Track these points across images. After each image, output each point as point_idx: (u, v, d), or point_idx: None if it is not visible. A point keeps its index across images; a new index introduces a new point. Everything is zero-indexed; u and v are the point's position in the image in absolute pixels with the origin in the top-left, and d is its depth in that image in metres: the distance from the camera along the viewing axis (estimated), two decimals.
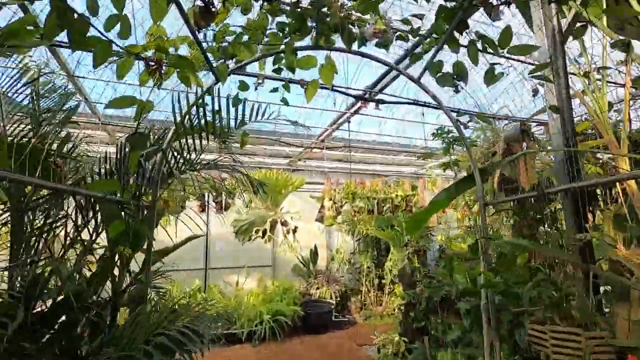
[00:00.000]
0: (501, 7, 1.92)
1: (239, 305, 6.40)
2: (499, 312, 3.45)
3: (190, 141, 2.61)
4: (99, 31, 1.45)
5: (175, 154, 2.63)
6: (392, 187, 7.49)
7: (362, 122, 6.11)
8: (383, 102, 3.81)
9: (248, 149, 7.97)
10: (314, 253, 8.58)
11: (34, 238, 2.21)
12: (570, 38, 3.03)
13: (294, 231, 6.64)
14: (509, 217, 4.10)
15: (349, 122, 5.08)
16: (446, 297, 4.15)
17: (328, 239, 9.47)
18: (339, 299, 7.47)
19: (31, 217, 2.19)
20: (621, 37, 2.54)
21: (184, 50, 2.09)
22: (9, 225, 2.13)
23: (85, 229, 2.44)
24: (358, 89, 4.02)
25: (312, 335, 6.30)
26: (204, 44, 2.05)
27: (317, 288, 7.53)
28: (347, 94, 3.60)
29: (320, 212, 7.22)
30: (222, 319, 5.37)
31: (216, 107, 2.53)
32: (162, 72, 1.81)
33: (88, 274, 2.47)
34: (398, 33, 2.31)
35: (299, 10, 2.03)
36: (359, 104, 4.30)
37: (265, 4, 2.04)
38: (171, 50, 1.89)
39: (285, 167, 8.13)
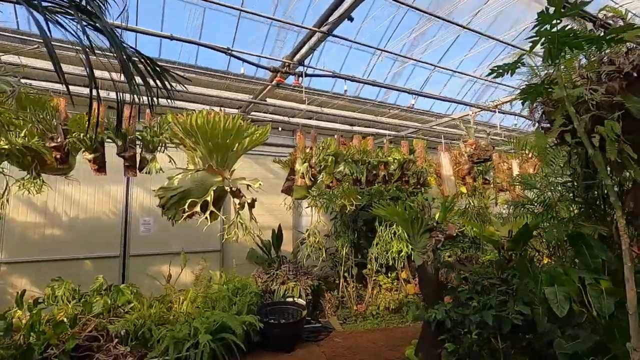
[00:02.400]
0: None
1: (165, 315, 4.27)
2: None
3: None
4: None
5: None
6: (385, 150, 5.59)
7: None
8: None
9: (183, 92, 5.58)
10: (278, 235, 6.56)
11: None
12: None
13: (251, 205, 4.49)
14: None
15: (350, 19, 2.95)
16: (520, 326, 2.36)
17: (297, 218, 7.48)
18: (310, 297, 5.58)
19: None
20: None
21: None
22: None
23: None
24: None
25: (274, 355, 4.37)
26: None
27: (282, 283, 5.58)
28: None
29: (288, 180, 5.15)
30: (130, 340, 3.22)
31: None
32: None
33: None
34: None
35: None
36: None
37: None
38: None
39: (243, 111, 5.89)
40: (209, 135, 4.08)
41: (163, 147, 3.95)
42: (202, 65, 5.83)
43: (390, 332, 5.31)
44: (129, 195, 5.95)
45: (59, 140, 3.44)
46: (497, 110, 4.78)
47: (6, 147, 3.42)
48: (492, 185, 6.37)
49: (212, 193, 4.10)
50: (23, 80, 3.79)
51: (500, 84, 4.98)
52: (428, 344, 2.99)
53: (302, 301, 5.33)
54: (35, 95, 3.33)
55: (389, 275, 6.52)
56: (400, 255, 5.95)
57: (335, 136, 5.34)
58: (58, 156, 3.50)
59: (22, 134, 3.24)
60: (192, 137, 4.13)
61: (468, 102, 5.21)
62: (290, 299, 5.24)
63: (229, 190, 4.23)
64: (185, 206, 3.95)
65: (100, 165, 3.73)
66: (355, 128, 7.68)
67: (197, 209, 4.01)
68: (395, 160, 5.34)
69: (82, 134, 3.42)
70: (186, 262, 5.51)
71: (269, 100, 5.51)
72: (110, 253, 5.72)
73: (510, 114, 5.49)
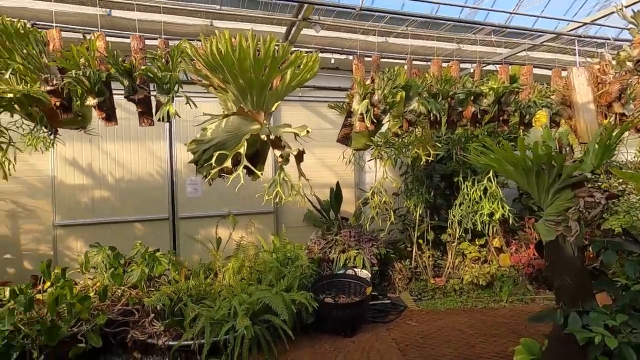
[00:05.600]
0: None
1: (206, 287, 3.69)
2: None
3: None
4: None
5: None
6: (476, 77, 4.12)
7: None
8: None
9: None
10: (336, 195, 5.62)
11: None
12: None
13: (298, 158, 3.50)
14: None
15: None
16: None
17: (359, 174, 6.42)
18: (376, 268, 4.64)
19: None
20: None
21: None
22: None
23: None
24: None
25: (330, 341, 3.59)
26: None
27: (342, 251, 4.70)
28: None
29: (345, 126, 4.05)
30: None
31: None
32: None
33: None
34: None
35: None
36: None
37: None
38: None
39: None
40: (237, 69, 3.07)
41: (179, 86, 3.10)
42: None
43: (480, 315, 4.19)
44: (172, 152, 5.43)
45: (54, 82, 2.78)
46: None
47: (10, 95, 2.88)
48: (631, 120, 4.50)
49: (245, 143, 3.18)
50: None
51: None
52: None
53: (366, 273, 4.42)
54: (20, 26, 2.65)
55: (476, 242, 5.25)
56: (493, 218, 4.62)
57: (406, 64, 4.02)
58: (58, 103, 2.86)
59: (7, 76, 2.62)
60: (219, 73, 3.18)
61: None
62: (351, 271, 4.36)
63: (266, 138, 3.28)
64: (213, 161, 3.11)
65: (108, 113, 3.03)
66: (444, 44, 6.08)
67: (228, 164, 3.14)
68: (492, 91, 3.87)
69: (75, 72, 2.69)
70: (235, 225, 4.90)
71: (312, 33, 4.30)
72: (159, 215, 5.36)
73: None
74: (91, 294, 3.41)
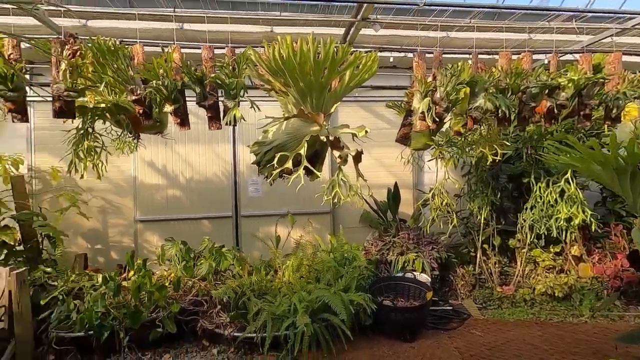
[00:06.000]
0: None
1: (267, 283, 3.85)
2: None
3: None
4: None
5: None
6: (552, 68, 3.76)
7: None
8: None
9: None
10: (394, 195, 5.51)
11: None
12: None
13: (356, 159, 3.50)
14: None
15: None
16: None
17: (417, 174, 6.22)
18: (436, 272, 4.46)
19: None
20: None
21: None
22: None
23: None
24: None
25: (389, 344, 3.52)
26: None
27: (401, 253, 4.59)
28: None
29: (404, 125, 3.96)
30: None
31: None
32: None
33: None
34: None
35: None
36: None
37: None
38: None
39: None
40: (298, 72, 3.15)
41: (244, 92, 3.27)
42: None
43: (555, 329, 3.81)
44: (236, 154, 5.74)
45: (138, 92, 3.10)
46: None
47: (103, 105, 3.29)
48: None
49: (305, 145, 3.25)
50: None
51: None
52: None
53: (425, 277, 4.27)
54: (111, 44, 3.00)
55: (550, 249, 4.79)
56: (571, 224, 4.18)
57: (471, 58, 3.81)
58: (141, 111, 3.19)
59: (101, 88, 2.99)
60: (280, 77, 3.30)
61: None
62: (410, 274, 4.24)
63: (325, 139, 3.33)
64: (275, 162, 3.23)
65: (182, 118, 3.30)
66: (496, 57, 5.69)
67: (289, 165, 3.24)
68: (571, 83, 3.50)
69: (155, 82, 2.98)
70: (293, 225, 5.05)
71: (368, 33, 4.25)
72: (224, 213, 5.71)
73: None
74: (166, 284, 3.74)
